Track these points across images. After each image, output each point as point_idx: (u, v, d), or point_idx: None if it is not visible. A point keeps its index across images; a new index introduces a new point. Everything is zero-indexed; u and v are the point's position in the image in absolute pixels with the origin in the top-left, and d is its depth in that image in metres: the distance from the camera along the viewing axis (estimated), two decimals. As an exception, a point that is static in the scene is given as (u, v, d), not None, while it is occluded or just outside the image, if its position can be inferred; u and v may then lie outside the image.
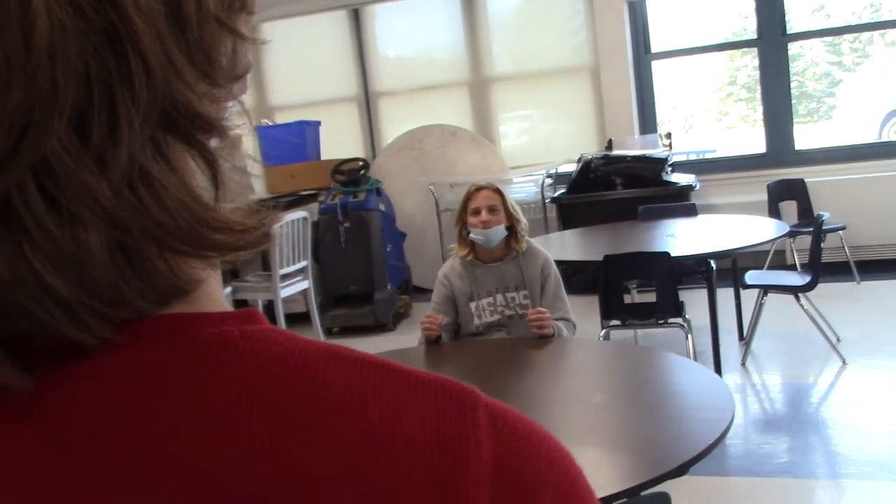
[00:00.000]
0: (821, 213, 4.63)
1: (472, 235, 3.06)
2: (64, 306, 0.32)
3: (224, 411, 0.34)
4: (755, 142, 7.15)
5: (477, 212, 3.05)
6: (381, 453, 0.34)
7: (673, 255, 3.89)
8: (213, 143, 0.37)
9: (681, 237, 4.43)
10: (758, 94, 6.96)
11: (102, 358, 0.34)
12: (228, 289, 4.87)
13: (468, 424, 0.35)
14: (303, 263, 5.04)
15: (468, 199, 3.11)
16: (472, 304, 3.06)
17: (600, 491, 1.67)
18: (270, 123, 7.55)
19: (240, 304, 5.38)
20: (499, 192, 3.10)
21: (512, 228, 3.08)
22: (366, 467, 0.33)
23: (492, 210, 3.04)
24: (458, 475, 0.34)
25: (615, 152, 6.50)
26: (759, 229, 4.50)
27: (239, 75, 0.39)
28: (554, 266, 3.12)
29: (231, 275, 5.48)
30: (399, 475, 0.33)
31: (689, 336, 4.01)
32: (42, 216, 0.32)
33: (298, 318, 5.70)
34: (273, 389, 0.35)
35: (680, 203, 5.49)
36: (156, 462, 0.33)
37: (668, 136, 6.71)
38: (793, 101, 6.79)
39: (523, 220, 3.13)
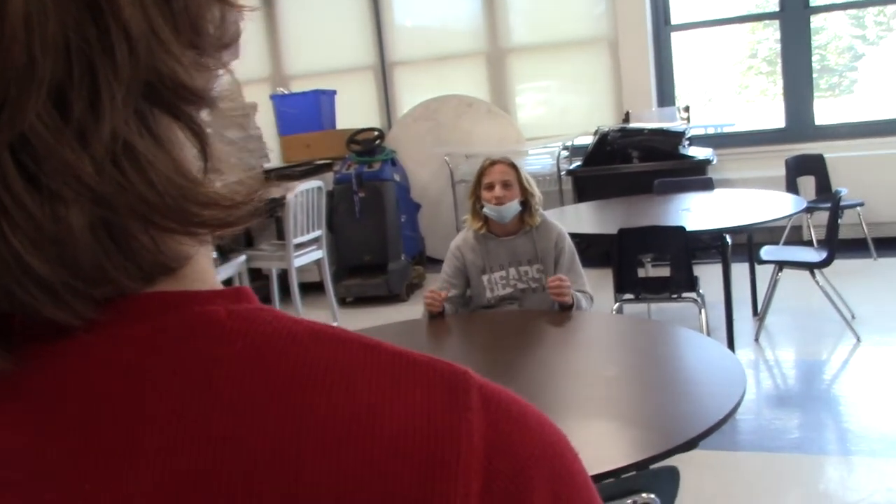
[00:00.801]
0: (839, 188, 4.59)
1: (485, 210, 3.04)
2: (45, 287, 0.32)
3: (209, 392, 0.33)
4: (774, 116, 7.07)
5: (490, 186, 3.03)
6: (368, 437, 0.33)
7: (688, 229, 3.87)
8: (202, 114, 0.36)
9: (696, 211, 4.40)
10: (778, 68, 6.87)
11: (86, 337, 0.34)
12: (243, 257, 4.89)
13: (459, 407, 0.34)
14: (317, 233, 5.05)
15: (482, 172, 3.08)
16: (485, 277, 3.06)
17: (610, 463, 1.68)
18: (286, 92, 7.54)
19: (254, 272, 5.41)
20: (513, 166, 3.07)
21: (526, 203, 3.05)
22: (352, 452, 0.33)
23: (506, 185, 3.02)
24: (448, 459, 0.33)
25: (632, 125, 6.45)
26: (776, 204, 4.47)
27: (227, 44, 0.37)
28: (568, 240, 3.10)
29: (246, 243, 5.50)
30: (386, 460, 0.33)
31: (703, 311, 4.00)
32: (20, 194, 0.31)
33: (312, 288, 5.73)
34: (259, 371, 0.34)
35: (696, 177, 5.45)
36: (138, 447, 0.32)
37: (687, 109, 6.65)
38: (814, 75, 6.70)
39: (538, 195, 3.10)
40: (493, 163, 3.09)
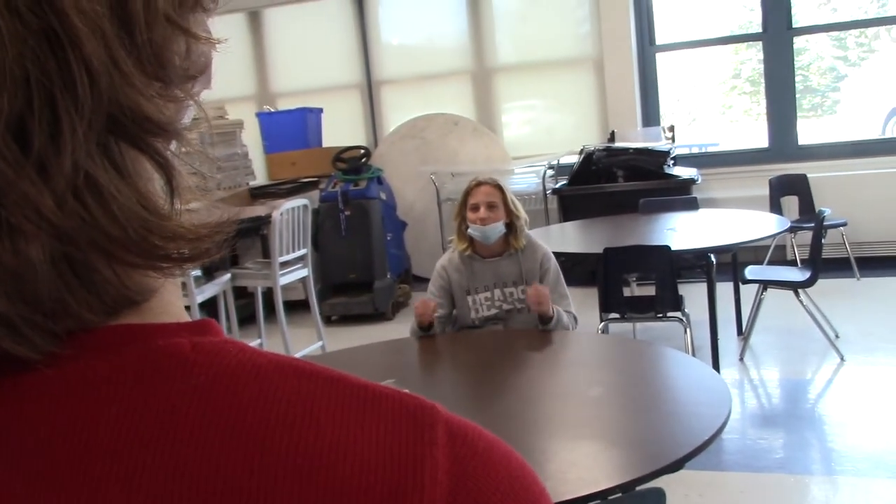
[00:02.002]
0: (822, 208, 4.62)
1: (469, 231, 3.04)
2: (3, 322, 0.31)
3: (169, 427, 0.33)
4: (758, 136, 7.13)
5: (476, 207, 3.02)
6: (331, 473, 0.32)
7: (673, 248, 3.88)
8: (170, 146, 0.36)
9: (681, 231, 4.42)
10: (762, 88, 6.93)
11: (46, 372, 0.33)
12: (227, 275, 4.87)
13: (424, 442, 0.34)
14: (302, 251, 5.03)
15: (468, 193, 3.08)
16: (470, 298, 3.05)
17: (596, 485, 1.67)
18: (272, 110, 7.54)
19: (239, 290, 5.38)
20: (499, 187, 3.07)
21: (511, 225, 3.05)
22: (314, 488, 0.32)
23: (491, 206, 3.01)
24: (412, 496, 0.33)
25: (617, 144, 6.48)
26: (760, 224, 4.49)
27: (194, 76, 0.37)
28: (553, 260, 3.10)
29: (230, 261, 5.47)
30: (349, 496, 0.32)
31: (688, 330, 4.01)
32: None
33: (297, 306, 5.70)
34: (222, 405, 0.33)
35: (681, 196, 5.48)
36: (97, 479, 0.32)
37: (671, 128, 6.69)
38: (797, 96, 6.77)
39: (523, 216, 3.10)
40: (479, 184, 3.08)
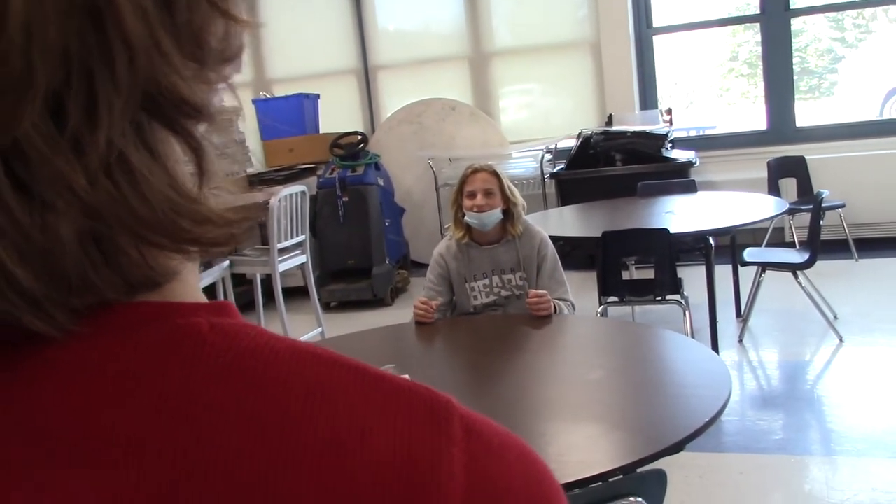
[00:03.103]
0: (820, 190, 4.62)
1: (466, 218, 3.02)
2: (28, 298, 0.31)
3: (186, 406, 0.32)
4: (756, 118, 7.12)
5: (472, 195, 3.00)
6: (348, 464, 0.32)
7: (672, 231, 3.88)
8: (200, 128, 0.36)
9: (680, 214, 4.42)
10: (759, 70, 6.92)
11: (65, 348, 0.33)
12: (226, 262, 4.86)
13: (441, 436, 0.34)
14: (301, 237, 5.03)
15: (464, 180, 3.07)
16: (468, 286, 3.05)
17: (597, 467, 1.68)
18: (269, 96, 7.51)
19: (238, 277, 5.38)
20: (495, 174, 3.05)
21: (508, 212, 3.04)
22: (331, 478, 0.32)
23: (487, 193, 2.99)
24: (429, 491, 0.33)
25: (615, 128, 6.47)
26: (759, 206, 4.49)
27: (230, 58, 0.37)
28: (551, 246, 3.09)
29: (229, 248, 5.45)
30: (366, 488, 0.32)
31: (687, 313, 4.02)
32: (10, 202, 0.30)
33: (296, 293, 5.70)
34: (239, 387, 0.33)
35: (679, 179, 5.48)
36: (113, 460, 0.31)
37: (669, 111, 6.68)
38: (794, 78, 6.75)
39: (521, 203, 3.08)
40: (476, 171, 3.06)
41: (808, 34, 7.94)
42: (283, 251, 4.84)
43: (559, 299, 2.94)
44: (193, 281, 0.38)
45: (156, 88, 0.33)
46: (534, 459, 0.37)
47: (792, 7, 6.64)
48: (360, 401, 0.34)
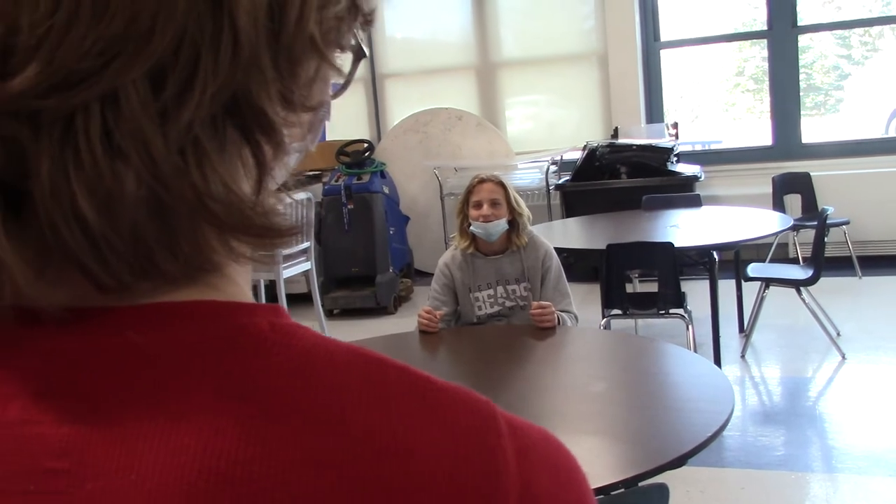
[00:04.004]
0: (825, 207, 4.62)
1: (472, 228, 3.03)
2: (88, 234, 0.33)
3: (247, 397, 0.34)
4: (761, 134, 7.13)
5: (479, 205, 3.01)
6: (408, 460, 0.34)
7: (676, 245, 3.89)
8: (269, 152, 0.37)
9: (684, 228, 4.42)
10: (765, 86, 6.93)
11: (135, 336, 0.35)
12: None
13: (490, 431, 0.36)
14: (305, 244, 5.04)
15: (470, 190, 3.07)
16: (472, 296, 3.05)
17: (599, 480, 1.68)
18: (276, 103, 7.52)
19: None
20: (502, 184, 3.06)
21: (514, 222, 3.04)
22: (394, 470, 0.33)
23: (494, 204, 3.00)
24: (490, 480, 0.34)
25: (621, 140, 6.48)
26: (763, 222, 4.49)
27: (312, 106, 0.39)
28: (555, 258, 3.09)
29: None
30: (430, 480, 0.33)
31: (690, 327, 4.02)
32: (94, 142, 0.32)
33: (300, 299, 5.71)
34: (298, 383, 0.35)
35: (684, 193, 5.48)
36: (173, 448, 0.33)
37: (675, 125, 6.69)
38: (800, 94, 6.76)
39: (526, 213, 3.09)
40: (482, 181, 3.07)
41: (814, 51, 7.96)
42: (287, 257, 4.85)
43: (562, 311, 2.94)
44: (246, 287, 0.40)
45: (242, 91, 0.35)
46: (567, 452, 0.39)
47: (799, 24, 6.65)
48: (412, 398, 0.36)
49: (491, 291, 3.05)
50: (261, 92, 0.35)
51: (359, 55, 0.42)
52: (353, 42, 0.41)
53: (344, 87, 0.42)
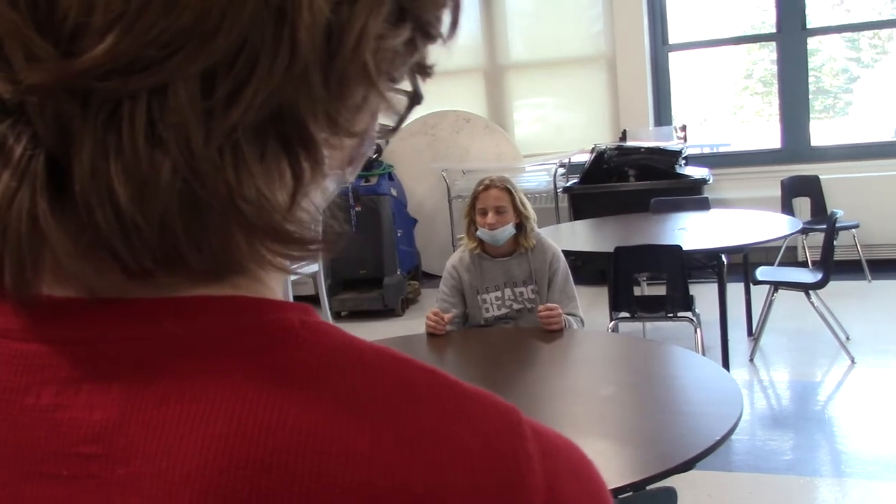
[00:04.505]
0: (834, 210, 4.61)
1: (479, 233, 3.04)
2: (120, 218, 0.33)
3: (280, 390, 0.35)
4: (770, 136, 7.11)
5: (484, 212, 3.02)
6: (439, 457, 0.34)
7: (684, 248, 3.88)
8: (307, 168, 0.37)
9: (692, 231, 4.41)
10: (774, 89, 6.91)
11: (169, 326, 0.35)
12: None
13: (516, 435, 0.36)
14: (313, 246, 5.04)
15: (476, 196, 3.07)
16: (479, 298, 3.06)
17: (607, 484, 1.67)
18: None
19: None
20: (508, 190, 3.05)
21: (521, 225, 3.05)
22: (424, 458, 0.34)
23: (499, 211, 3.00)
24: (515, 482, 0.35)
25: (629, 143, 6.47)
26: (772, 225, 4.48)
27: (355, 132, 0.39)
28: (563, 261, 3.09)
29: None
30: (458, 479, 0.34)
31: (698, 330, 4.01)
32: (138, 129, 0.33)
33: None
34: (330, 378, 0.36)
35: (692, 196, 5.47)
36: (211, 432, 0.33)
37: (683, 128, 6.67)
38: (809, 97, 6.74)
39: (532, 216, 3.09)
40: (487, 188, 3.05)
41: (823, 53, 7.93)
42: (295, 259, 4.85)
43: (569, 314, 2.95)
44: (277, 290, 0.41)
45: (289, 104, 0.35)
46: (586, 458, 0.40)
47: (808, 26, 6.64)
48: (440, 400, 0.36)
49: (498, 293, 3.05)
50: (307, 108, 0.35)
51: (414, 100, 0.42)
52: (409, 87, 0.41)
53: (394, 129, 0.42)
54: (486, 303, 3.06)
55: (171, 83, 0.33)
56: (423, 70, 0.42)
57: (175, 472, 0.33)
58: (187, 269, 0.35)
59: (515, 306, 3.06)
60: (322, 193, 0.41)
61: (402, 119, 0.42)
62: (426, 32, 0.40)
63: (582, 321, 3.01)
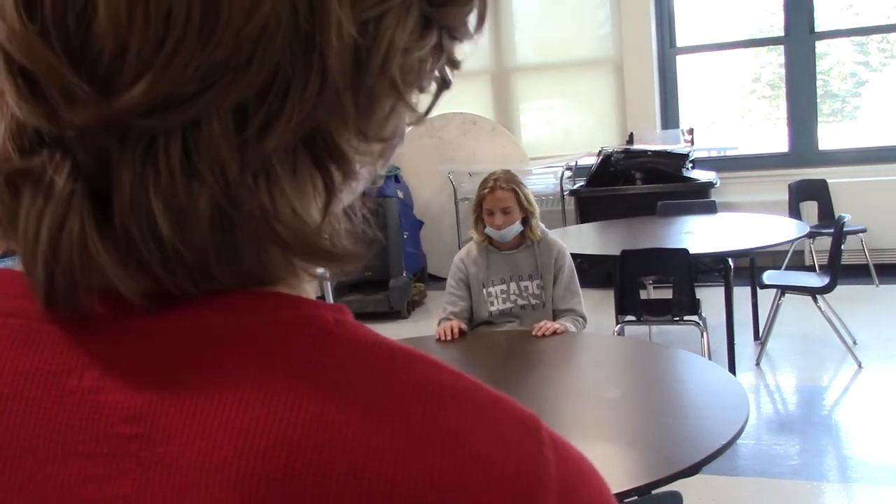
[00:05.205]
0: (842, 214, 4.59)
1: (487, 231, 3.10)
2: (162, 247, 0.35)
3: (320, 387, 0.35)
4: (777, 140, 7.09)
5: (491, 213, 3.07)
6: (461, 449, 0.35)
7: (691, 252, 3.87)
8: (338, 178, 0.39)
9: (699, 234, 4.40)
10: (781, 92, 6.90)
11: (208, 318, 0.36)
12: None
13: (534, 441, 0.37)
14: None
15: (482, 198, 3.11)
16: (485, 291, 3.09)
17: (612, 487, 1.66)
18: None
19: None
20: (512, 190, 3.09)
21: (526, 220, 3.10)
22: (447, 458, 0.35)
23: (506, 211, 3.06)
24: (533, 485, 0.35)
25: (636, 146, 6.46)
26: (779, 229, 4.47)
27: (385, 138, 0.41)
28: (569, 257, 3.13)
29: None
30: (479, 471, 0.35)
31: (705, 334, 4.00)
32: (174, 161, 0.34)
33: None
34: (360, 376, 0.36)
35: (699, 200, 5.46)
36: (250, 417, 0.34)
37: (690, 131, 6.66)
38: (817, 101, 6.72)
39: (537, 210, 3.15)
40: (493, 190, 3.09)
41: (831, 57, 7.91)
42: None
43: (570, 310, 3.00)
44: (310, 290, 0.42)
45: (320, 127, 0.36)
46: (595, 469, 0.40)
47: (816, 30, 6.62)
48: (465, 401, 0.37)
49: (503, 287, 3.10)
50: (339, 127, 0.37)
51: (442, 86, 0.43)
52: (437, 74, 0.42)
53: (425, 115, 0.43)
54: (490, 296, 3.09)
55: (204, 118, 0.34)
56: (452, 64, 0.43)
57: (214, 454, 0.34)
58: (220, 286, 0.37)
59: (520, 302, 3.08)
60: (351, 193, 0.42)
61: (432, 105, 0.43)
62: (453, 36, 0.41)
63: (584, 319, 3.05)
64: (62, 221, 0.35)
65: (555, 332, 2.81)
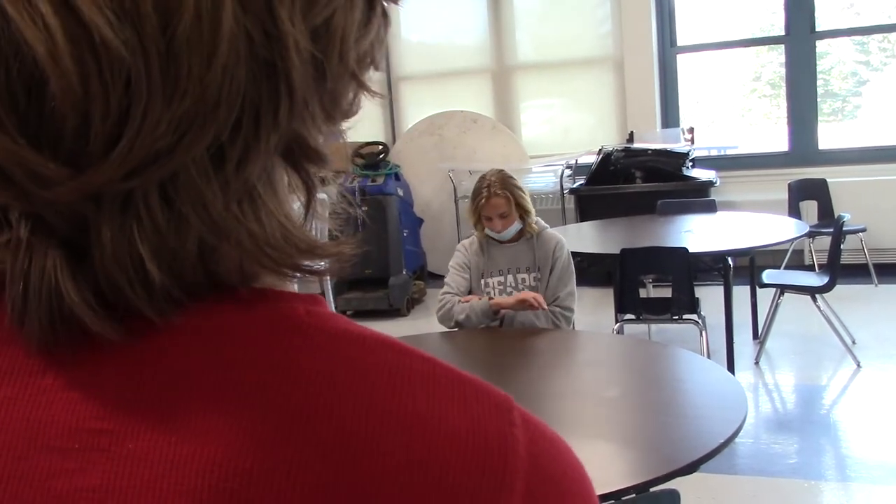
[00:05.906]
0: (842, 214, 4.60)
1: (487, 232, 3.17)
2: (150, 288, 0.35)
3: (289, 373, 0.36)
4: (778, 139, 7.09)
5: (489, 218, 3.13)
6: (430, 431, 0.36)
7: (690, 250, 3.87)
8: (314, 171, 0.40)
9: (699, 233, 4.41)
10: (782, 91, 6.90)
11: (181, 315, 0.37)
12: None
13: (505, 421, 0.38)
14: (319, 245, 5.05)
15: (479, 207, 3.14)
16: (483, 282, 3.15)
17: (610, 485, 1.68)
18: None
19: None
20: (507, 196, 3.12)
21: (523, 217, 3.16)
22: (416, 440, 0.35)
23: (503, 216, 3.12)
24: (497, 465, 0.36)
25: (636, 145, 6.47)
26: (779, 228, 4.47)
27: (351, 115, 0.42)
28: (566, 251, 3.17)
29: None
30: (446, 452, 0.36)
31: (704, 333, 4.00)
32: (155, 210, 0.34)
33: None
34: (333, 363, 0.37)
35: (699, 199, 5.46)
36: (211, 416, 0.35)
37: (691, 130, 6.66)
38: (818, 100, 6.72)
39: (531, 208, 3.19)
40: (488, 198, 3.12)
41: (832, 56, 7.90)
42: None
43: (558, 305, 3.03)
44: (292, 285, 0.42)
45: (295, 139, 0.37)
46: (573, 452, 0.41)
47: (817, 29, 6.62)
48: (435, 385, 0.38)
49: (501, 279, 3.15)
50: (311, 130, 0.38)
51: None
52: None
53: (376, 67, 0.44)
54: (488, 287, 3.15)
55: (181, 168, 0.34)
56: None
57: (183, 446, 0.34)
58: (201, 300, 0.37)
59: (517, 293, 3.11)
60: (329, 169, 0.43)
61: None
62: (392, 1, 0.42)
63: (571, 313, 3.07)
64: (41, 274, 0.34)
65: (529, 304, 2.91)
